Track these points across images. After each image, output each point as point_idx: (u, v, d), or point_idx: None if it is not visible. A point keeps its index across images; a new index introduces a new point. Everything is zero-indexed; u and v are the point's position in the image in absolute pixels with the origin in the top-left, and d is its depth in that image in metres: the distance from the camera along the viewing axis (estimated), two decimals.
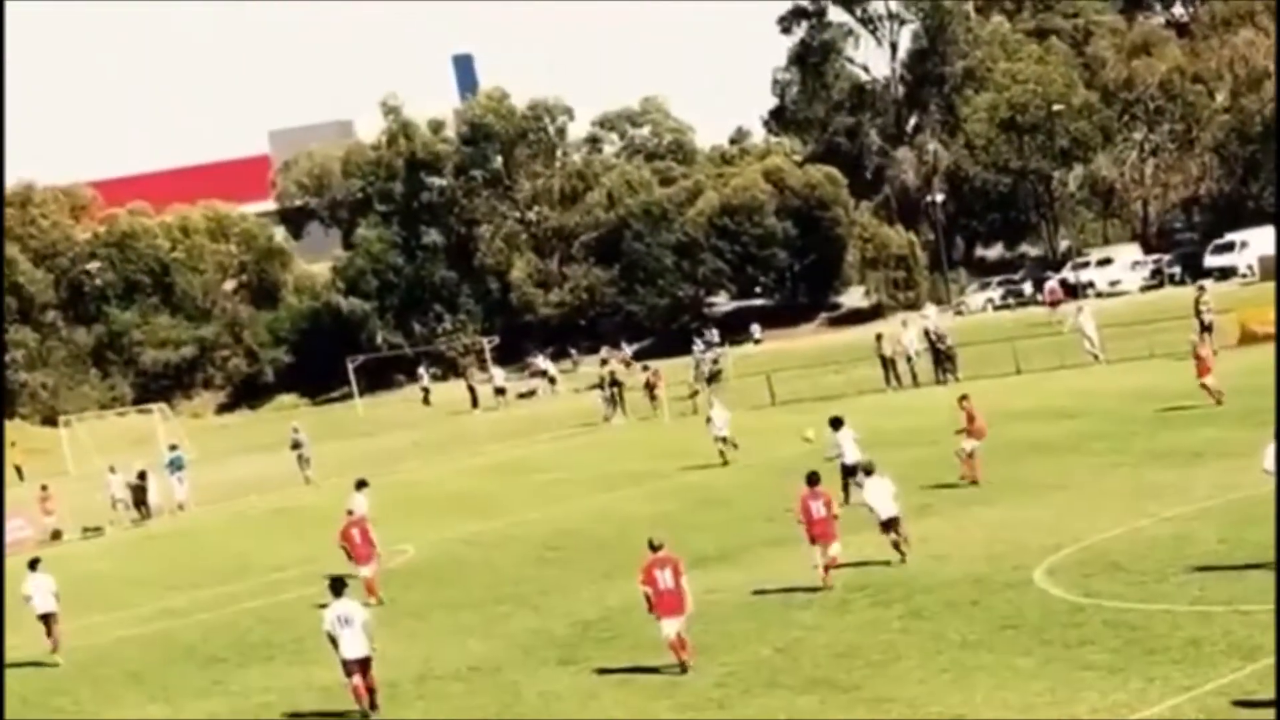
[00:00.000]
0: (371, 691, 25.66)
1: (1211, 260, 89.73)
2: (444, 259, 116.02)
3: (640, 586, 25.62)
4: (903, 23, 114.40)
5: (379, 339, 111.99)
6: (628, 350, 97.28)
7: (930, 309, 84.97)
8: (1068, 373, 58.09)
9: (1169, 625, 23.35)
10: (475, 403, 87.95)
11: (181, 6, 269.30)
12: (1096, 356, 59.54)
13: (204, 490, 63.25)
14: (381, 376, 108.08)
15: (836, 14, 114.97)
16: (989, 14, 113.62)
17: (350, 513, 36.96)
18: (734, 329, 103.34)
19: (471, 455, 64.56)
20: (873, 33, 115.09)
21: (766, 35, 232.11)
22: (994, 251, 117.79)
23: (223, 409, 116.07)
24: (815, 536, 29.35)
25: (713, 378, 73.85)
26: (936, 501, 35.88)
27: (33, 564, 35.77)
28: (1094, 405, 47.65)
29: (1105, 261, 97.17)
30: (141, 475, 61.59)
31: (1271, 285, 75.82)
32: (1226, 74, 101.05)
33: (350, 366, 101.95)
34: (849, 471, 36.84)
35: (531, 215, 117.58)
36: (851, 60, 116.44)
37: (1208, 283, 69.17)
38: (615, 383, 70.89)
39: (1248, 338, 56.79)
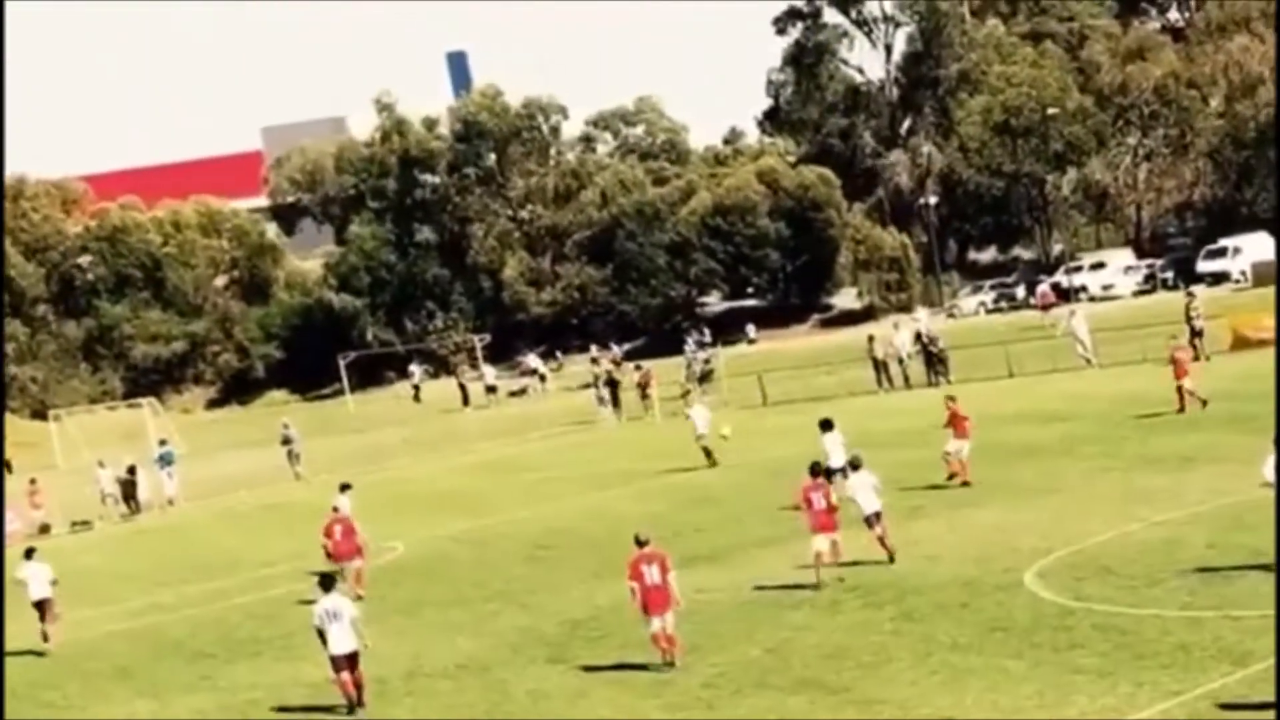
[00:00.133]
0: (359, 687, 25.63)
1: (1204, 265, 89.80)
2: (436, 256, 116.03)
3: (627, 582, 25.66)
4: (898, 25, 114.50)
5: (370, 336, 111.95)
6: (617, 350, 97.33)
7: (921, 312, 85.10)
8: (1060, 376, 58.12)
9: (1159, 630, 23.32)
10: (466, 400, 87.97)
11: (176, 3, 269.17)
12: (1089, 360, 59.58)
13: (194, 485, 63.18)
14: (373, 373, 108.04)
15: (831, 15, 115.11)
16: (984, 17, 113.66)
17: (335, 509, 36.98)
18: (726, 329, 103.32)
19: (462, 453, 64.54)
20: (867, 35, 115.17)
21: (761, 36, 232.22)
22: (987, 254, 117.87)
23: (213, 404, 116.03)
24: (816, 527, 29.41)
25: (704, 377, 73.85)
26: (927, 503, 35.86)
27: (28, 553, 35.79)
28: (1086, 409, 47.65)
29: (1098, 266, 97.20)
30: (131, 470, 61.53)
31: (1264, 291, 75.97)
32: (1221, 79, 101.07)
33: (341, 363, 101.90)
34: (829, 475, 36.71)
35: (524, 213, 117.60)
36: (846, 62, 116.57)
37: (1197, 289, 69.24)
38: (611, 382, 70.81)
39: (1240, 343, 56.88)
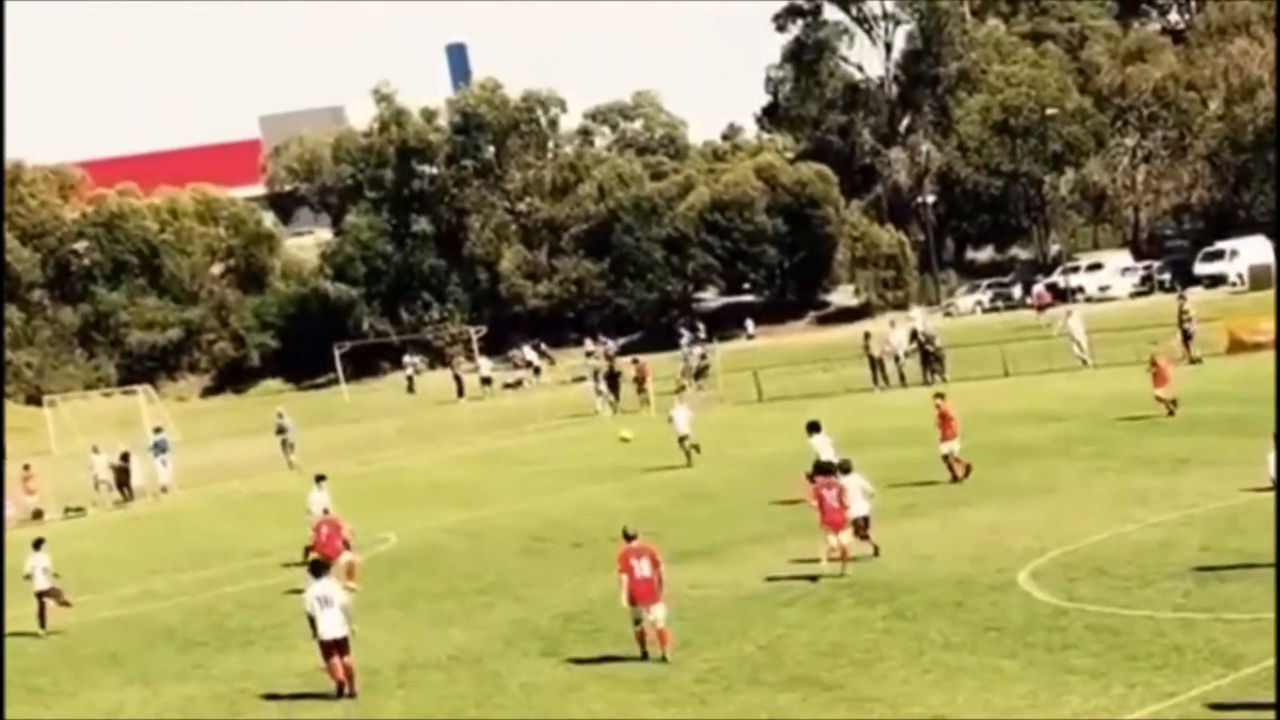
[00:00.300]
0: (349, 675, 25.75)
1: (1201, 268, 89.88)
2: (433, 247, 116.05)
3: (617, 575, 25.74)
4: (898, 23, 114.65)
5: (366, 326, 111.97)
6: (610, 344, 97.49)
7: (916, 310, 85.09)
8: (1056, 376, 58.13)
9: (1152, 631, 23.31)
10: (461, 392, 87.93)
11: None
12: (1085, 361, 59.62)
13: (187, 473, 63.15)
14: (368, 363, 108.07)
15: (832, 12, 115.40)
16: (984, 16, 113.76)
17: (310, 512, 37.40)
18: (723, 325, 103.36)
19: (457, 444, 64.51)
20: (868, 32, 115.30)
21: (761, 32, 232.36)
22: (984, 254, 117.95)
23: (208, 392, 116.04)
24: (828, 525, 29.58)
25: (700, 373, 73.82)
26: (921, 502, 35.86)
27: (37, 543, 35.93)
28: (1081, 409, 47.66)
29: (1095, 267, 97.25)
30: (125, 457, 61.49)
31: (1261, 294, 76.10)
32: (1220, 82, 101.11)
33: (337, 353, 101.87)
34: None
35: (522, 206, 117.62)
36: (846, 59, 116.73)
37: (1190, 292, 69.34)
38: (611, 374, 70.72)
39: (1236, 346, 56.94)
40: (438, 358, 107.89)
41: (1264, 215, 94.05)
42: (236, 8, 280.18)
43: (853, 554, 29.83)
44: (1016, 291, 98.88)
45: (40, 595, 35.06)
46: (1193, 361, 55.74)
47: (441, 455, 61.64)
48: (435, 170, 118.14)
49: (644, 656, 25.39)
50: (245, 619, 33.87)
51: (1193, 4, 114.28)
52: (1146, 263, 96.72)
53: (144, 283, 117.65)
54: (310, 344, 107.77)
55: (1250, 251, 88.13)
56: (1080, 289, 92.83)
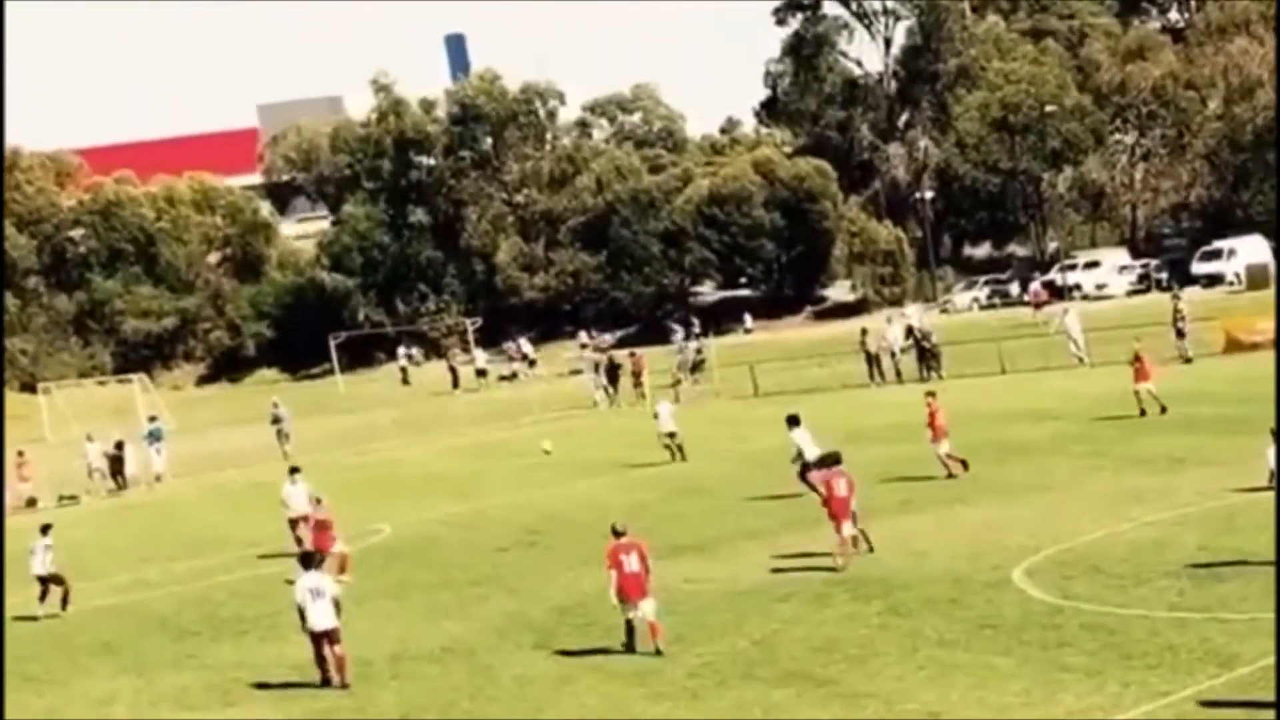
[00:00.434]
0: (341, 665, 25.83)
1: (1199, 267, 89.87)
2: (430, 238, 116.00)
3: (606, 571, 25.76)
4: (898, 18, 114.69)
5: (362, 316, 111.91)
6: (603, 338, 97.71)
7: (911, 307, 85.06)
8: (1052, 374, 58.12)
9: (1147, 630, 23.28)
10: (456, 383, 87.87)
11: None
12: (1082, 359, 59.59)
13: (182, 462, 63.08)
14: (363, 354, 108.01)
15: (831, 7, 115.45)
16: (984, 13, 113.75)
17: (286, 505, 37.94)
18: (719, 319, 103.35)
19: (452, 436, 64.47)
20: (867, 27, 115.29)
21: (760, 26, 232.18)
22: (981, 250, 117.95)
23: (203, 381, 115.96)
24: (837, 514, 29.66)
25: (696, 367, 73.80)
26: (917, 498, 35.84)
27: (44, 529, 36.11)
28: (1078, 408, 47.65)
29: (1092, 264, 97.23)
30: (119, 445, 61.43)
31: (1258, 294, 76.12)
32: (1220, 81, 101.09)
33: (332, 343, 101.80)
34: (808, 467, 37.00)
35: (519, 198, 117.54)
36: (845, 54, 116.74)
37: (1189, 290, 69.37)
38: (612, 367, 70.66)
39: (1233, 346, 56.93)
40: (433, 349, 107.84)
41: (1262, 215, 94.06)
42: None
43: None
44: (1014, 289, 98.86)
45: (40, 580, 35.27)
46: (1185, 361, 55.76)
47: (436, 447, 61.59)
48: (433, 161, 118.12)
49: (632, 650, 25.40)
50: (238, 608, 33.83)
51: (1193, 3, 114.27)
52: (1144, 261, 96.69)
53: (140, 271, 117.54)
54: (306, 334, 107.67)
55: (1248, 251, 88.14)
56: (1077, 287, 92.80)
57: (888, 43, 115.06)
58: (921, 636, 24.44)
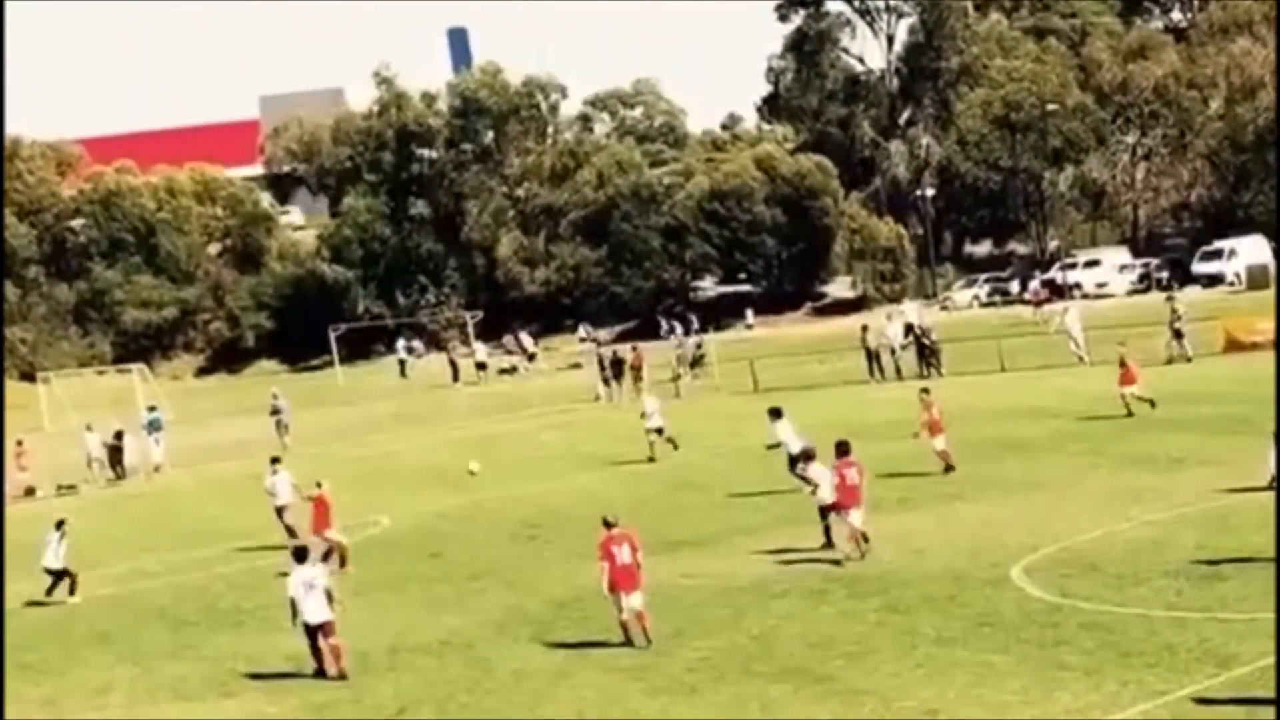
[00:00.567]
0: (337, 656, 25.94)
1: (1199, 267, 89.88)
2: (431, 231, 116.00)
3: (598, 562, 25.89)
4: (900, 15, 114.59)
5: (362, 309, 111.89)
6: (598, 333, 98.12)
7: (908, 304, 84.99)
8: (1052, 372, 58.07)
9: (1145, 629, 23.29)
10: (456, 377, 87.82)
11: None
12: (1082, 358, 59.56)
13: (181, 453, 63.01)
14: (363, 346, 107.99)
15: (834, 4, 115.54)
16: (987, 11, 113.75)
17: (272, 494, 38.49)
18: (719, 314, 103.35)
19: (451, 429, 64.43)
20: (870, 24, 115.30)
21: (762, 22, 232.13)
22: (982, 248, 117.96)
23: (202, 372, 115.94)
24: (846, 504, 29.78)
25: (696, 362, 73.74)
26: (916, 496, 35.83)
27: (59, 524, 36.36)
28: (1077, 406, 47.57)
29: (1093, 263, 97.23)
30: (118, 435, 61.35)
31: (1258, 294, 76.12)
32: (1222, 81, 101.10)
33: (332, 335, 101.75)
34: (795, 460, 37.40)
35: (520, 192, 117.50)
36: (847, 51, 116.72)
37: (1189, 290, 69.38)
38: (616, 361, 70.56)
39: (1232, 346, 56.92)
40: (433, 342, 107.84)
41: (1263, 215, 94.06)
42: None
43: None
44: (1014, 287, 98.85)
45: (51, 573, 35.63)
46: (1170, 361, 55.83)
47: (436, 439, 61.55)
48: (434, 154, 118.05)
49: (629, 644, 25.45)
50: (237, 599, 33.83)
51: (1195, 2, 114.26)
52: (1144, 260, 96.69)
53: (140, 261, 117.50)
54: (306, 326, 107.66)
55: (1248, 251, 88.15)
56: (1078, 285, 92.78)
57: (890, 40, 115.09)
58: (919, 634, 24.45)
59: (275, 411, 64.85)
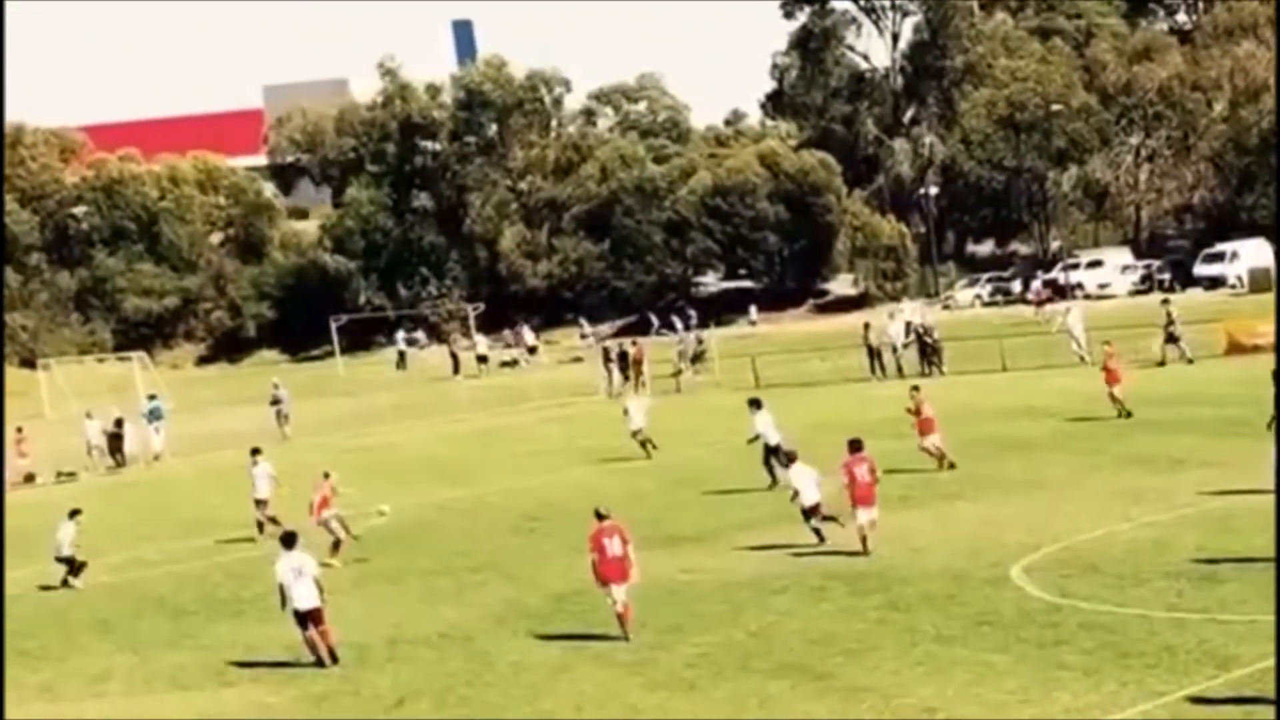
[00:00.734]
0: (328, 643, 26.10)
1: (1201, 269, 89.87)
2: (433, 224, 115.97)
3: (589, 554, 26.02)
4: (905, 14, 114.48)
5: (363, 300, 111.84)
6: (588, 326, 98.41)
7: (908, 303, 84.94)
8: (1053, 372, 58.04)
9: (1144, 630, 23.28)
10: (457, 369, 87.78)
11: None
12: (1083, 358, 59.52)
13: (180, 441, 62.97)
14: (364, 337, 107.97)
15: (839, 1, 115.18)
16: (992, 10, 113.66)
17: (255, 484, 38.88)
18: (721, 310, 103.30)
19: (452, 421, 64.42)
20: (875, 22, 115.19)
21: (767, 19, 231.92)
22: (985, 248, 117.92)
23: (203, 361, 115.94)
24: (857, 500, 29.91)
25: (697, 358, 73.73)
26: (916, 494, 35.83)
27: (72, 513, 36.55)
28: (1078, 406, 47.54)
29: (1095, 264, 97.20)
30: (119, 423, 61.34)
31: (1260, 297, 76.05)
32: (1226, 84, 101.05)
33: (333, 326, 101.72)
34: (772, 451, 38.07)
35: (523, 185, 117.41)
36: (852, 48, 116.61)
37: (1192, 292, 69.33)
38: (623, 354, 70.49)
39: (1234, 348, 56.91)
40: (434, 334, 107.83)
41: (1266, 218, 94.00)
42: None
43: (799, 540, 30.30)
44: (1016, 286, 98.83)
45: (64, 561, 35.81)
46: (1163, 364, 55.90)
47: (436, 432, 61.55)
48: (438, 146, 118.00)
49: (627, 639, 25.53)
50: (235, 589, 33.83)
51: (1200, 5, 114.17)
52: (1147, 262, 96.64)
53: (142, 249, 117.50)
54: (307, 316, 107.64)
55: (1251, 254, 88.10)
56: (1080, 286, 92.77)
57: (895, 38, 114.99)
58: (919, 632, 24.44)
59: (275, 401, 64.83)
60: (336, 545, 34.99)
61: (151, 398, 66.93)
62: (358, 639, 27.43)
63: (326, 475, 36.31)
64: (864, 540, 29.80)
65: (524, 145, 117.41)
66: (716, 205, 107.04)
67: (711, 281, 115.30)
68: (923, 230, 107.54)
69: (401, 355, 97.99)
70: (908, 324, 68.00)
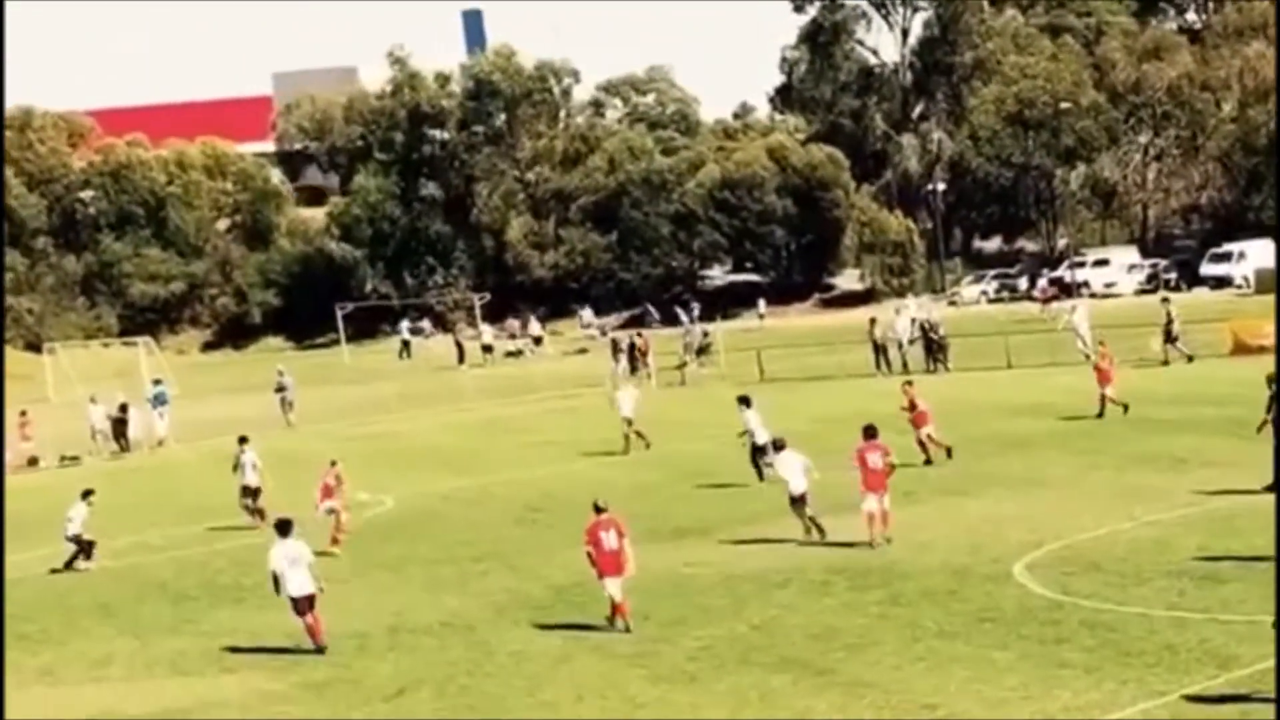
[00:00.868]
0: (317, 629, 26.26)
1: (1208, 269, 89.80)
2: (440, 213, 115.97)
3: (584, 546, 26.13)
4: (916, 9, 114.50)
5: (369, 288, 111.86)
6: (587, 318, 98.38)
7: (911, 300, 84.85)
8: (1058, 370, 57.97)
9: (1145, 629, 23.28)
10: (462, 358, 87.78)
11: None
12: (1088, 356, 59.43)
13: (184, 427, 62.94)
14: (370, 325, 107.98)
15: None
16: (1002, 7, 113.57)
17: (243, 471, 39.02)
18: (727, 304, 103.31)
19: (456, 411, 64.40)
20: (885, 17, 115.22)
21: (777, 12, 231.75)
22: (991, 244, 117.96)
23: (208, 347, 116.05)
24: (868, 486, 30.03)
25: (702, 350, 73.72)
26: (920, 489, 35.77)
27: (85, 493, 36.77)
28: (1082, 404, 47.47)
29: (1102, 262, 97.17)
30: (123, 408, 61.33)
31: (1267, 298, 75.86)
32: (1235, 84, 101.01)
33: (339, 314, 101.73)
34: (759, 451, 38.15)
35: (531, 175, 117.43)
36: (862, 43, 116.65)
37: (1195, 291, 69.22)
38: (633, 346, 70.44)
39: (1240, 349, 56.84)
40: (439, 323, 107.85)
41: (1273, 219, 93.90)
42: None
43: (801, 534, 30.36)
44: (1022, 283, 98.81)
45: (75, 540, 35.95)
46: (1166, 363, 55.89)
47: (441, 421, 61.54)
48: (446, 135, 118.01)
49: (628, 630, 25.52)
50: (237, 575, 33.83)
51: (1210, 4, 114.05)
52: (1153, 261, 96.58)
53: (149, 234, 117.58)
54: (313, 303, 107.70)
55: (1257, 254, 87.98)
56: (1086, 284, 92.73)
57: (905, 33, 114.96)
58: (921, 627, 24.45)
59: (280, 389, 64.80)
60: (337, 531, 35.01)
61: (156, 383, 66.96)
62: (359, 627, 27.45)
63: (333, 463, 36.29)
64: (870, 527, 29.87)
65: (532, 136, 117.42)
66: (724, 198, 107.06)
67: (718, 274, 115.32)
68: (930, 226, 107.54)
69: (405, 344, 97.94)
70: (913, 319, 67.97)
